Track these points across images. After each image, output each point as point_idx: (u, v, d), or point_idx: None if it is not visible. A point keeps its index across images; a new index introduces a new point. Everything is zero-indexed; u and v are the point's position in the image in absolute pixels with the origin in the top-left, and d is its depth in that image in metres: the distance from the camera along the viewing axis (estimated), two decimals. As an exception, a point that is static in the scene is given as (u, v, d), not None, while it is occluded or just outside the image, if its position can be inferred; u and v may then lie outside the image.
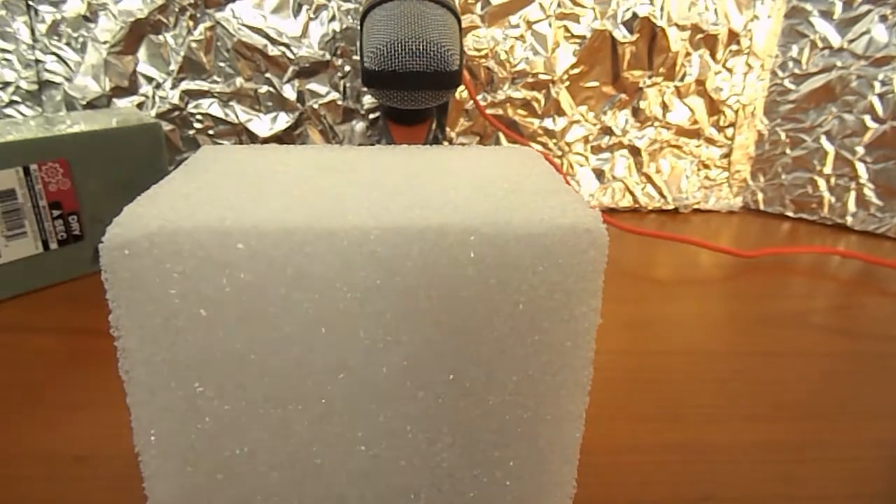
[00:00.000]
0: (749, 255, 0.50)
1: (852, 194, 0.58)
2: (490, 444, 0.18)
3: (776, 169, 0.61)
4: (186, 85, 0.54)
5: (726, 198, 0.63)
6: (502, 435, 0.18)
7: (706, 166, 0.62)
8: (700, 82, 0.59)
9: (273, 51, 0.53)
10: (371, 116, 0.57)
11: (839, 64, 0.55)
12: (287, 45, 0.54)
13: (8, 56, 0.51)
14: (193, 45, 0.53)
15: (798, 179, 0.60)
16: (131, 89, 0.53)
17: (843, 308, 0.43)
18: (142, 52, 0.53)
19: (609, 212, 0.61)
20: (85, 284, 0.42)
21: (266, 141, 0.56)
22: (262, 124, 0.56)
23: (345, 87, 0.56)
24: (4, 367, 0.34)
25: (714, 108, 0.60)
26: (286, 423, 0.17)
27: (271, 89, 0.55)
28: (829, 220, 0.59)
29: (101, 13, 0.51)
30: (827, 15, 0.55)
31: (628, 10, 0.55)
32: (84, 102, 0.53)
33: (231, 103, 0.55)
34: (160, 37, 0.52)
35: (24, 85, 0.51)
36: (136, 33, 0.52)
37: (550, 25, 0.55)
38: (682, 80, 0.58)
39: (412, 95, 0.36)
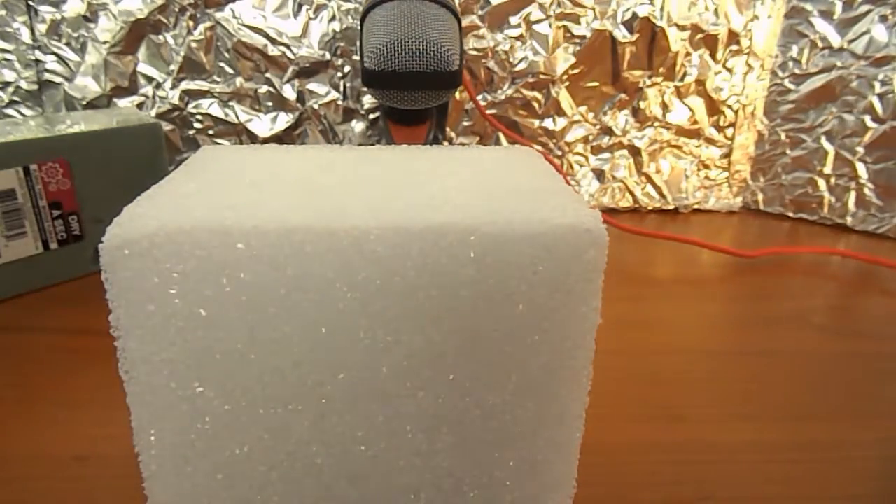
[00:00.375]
0: (749, 255, 0.50)
1: (852, 194, 0.58)
2: (490, 444, 0.18)
3: (776, 169, 0.61)
4: (186, 85, 0.54)
5: (726, 198, 0.63)
6: (502, 435, 0.18)
7: (706, 166, 0.62)
8: (700, 82, 0.59)
9: (273, 51, 0.53)
10: (371, 116, 0.57)
11: (839, 64, 0.55)
12: (287, 45, 0.54)
13: (8, 56, 0.51)
14: (193, 45, 0.53)
15: (798, 179, 0.60)
16: (131, 89, 0.53)
17: (843, 308, 0.43)
18: (142, 52, 0.53)
19: (609, 212, 0.61)
20: (85, 284, 0.42)
21: (266, 141, 0.56)
22: (262, 124, 0.56)
23: (345, 87, 0.56)
24: (4, 367, 0.34)
25: (714, 108, 0.60)
26: (286, 422, 0.17)
27: (271, 89, 0.55)
28: (829, 220, 0.59)
29: (101, 13, 0.51)
30: (827, 15, 0.55)
31: (628, 10, 0.55)
32: (84, 102, 0.53)
33: (231, 103, 0.55)
34: (160, 37, 0.52)
35: (24, 85, 0.51)
36: (136, 33, 0.52)
37: (550, 25, 0.55)
38: (682, 80, 0.58)
39: (412, 95, 0.36)
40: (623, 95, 0.59)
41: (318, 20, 0.54)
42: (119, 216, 0.16)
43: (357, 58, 0.54)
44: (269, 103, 0.55)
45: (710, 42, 0.58)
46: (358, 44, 0.39)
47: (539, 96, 0.58)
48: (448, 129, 0.58)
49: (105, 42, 0.51)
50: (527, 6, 0.55)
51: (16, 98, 0.52)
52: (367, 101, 0.56)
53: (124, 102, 0.53)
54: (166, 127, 0.54)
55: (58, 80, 0.52)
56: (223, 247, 0.15)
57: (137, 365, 0.16)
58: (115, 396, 0.31)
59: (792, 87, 0.58)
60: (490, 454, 0.18)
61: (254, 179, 0.19)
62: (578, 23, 0.56)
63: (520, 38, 0.56)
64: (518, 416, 0.18)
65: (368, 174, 0.20)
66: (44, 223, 0.41)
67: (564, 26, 0.56)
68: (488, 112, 0.57)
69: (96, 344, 0.35)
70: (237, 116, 0.55)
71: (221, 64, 0.54)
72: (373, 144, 0.35)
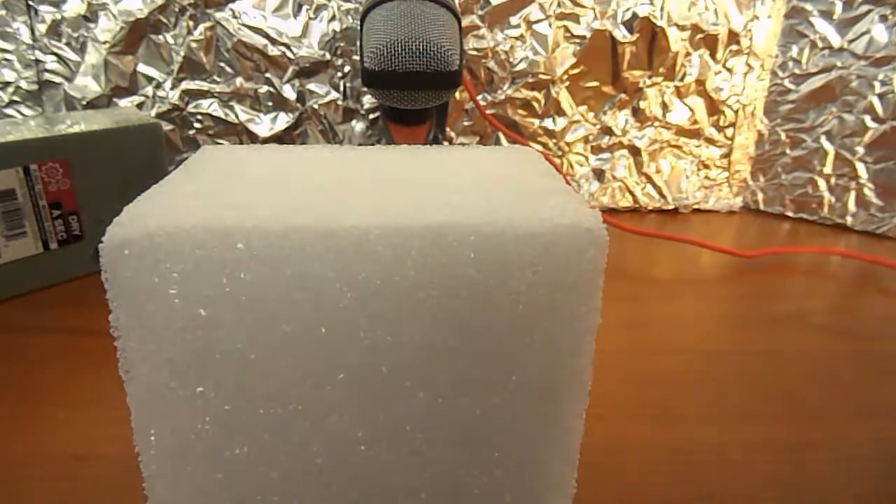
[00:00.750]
0: (749, 255, 0.50)
1: (852, 194, 0.58)
2: (490, 444, 0.18)
3: (776, 169, 0.61)
4: (186, 85, 0.54)
5: (726, 198, 0.63)
6: (502, 435, 0.18)
7: (706, 166, 0.62)
8: (700, 82, 0.59)
9: (273, 51, 0.53)
10: (371, 116, 0.57)
11: (839, 64, 0.55)
12: (287, 45, 0.54)
13: (8, 56, 0.51)
14: (193, 45, 0.53)
15: (798, 179, 0.60)
16: (131, 89, 0.53)
17: (843, 308, 0.43)
18: (142, 52, 0.53)
19: (609, 212, 0.61)
20: (85, 284, 0.42)
21: (266, 141, 0.56)
22: (262, 124, 0.56)
23: (345, 87, 0.56)
24: (4, 367, 0.34)
25: (714, 108, 0.60)
26: (286, 423, 0.17)
27: (271, 89, 0.55)
28: (829, 220, 0.59)
29: (101, 13, 0.51)
30: (827, 15, 0.55)
31: (628, 10, 0.55)
32: (84, 102, 0.53)
33: (231, 103, 0.55)
34: (160, 37, 0.52)
35: (24, 85, 0.51)
36: (136, 33, 0.52)
37: (550, 25, 0.55)
38: (682, 80, 0.58)
39: (412, 95, 0.36)
40: (623, 95, 0.59)
41: (318, 20, 0.54)
42: (119, 216, 0.16)
43: (357, 58, 0.54)
44: (269, 103, 0.55)
45: (710, 42, 0.58)
46: (358, 44, 0.39)
47: (539, 96, 0.58)
48: (448, 129, 0.58)
49: (105, 42, 0.51)
50: (527, 6, 0.55)
51: (16, 98, 0.52)
52: (367, 101, 0.56)
53: (124, 102, 0.53)
54: (166, 127, 0.54)
55: (58, 80, 0.52)
56: (223, 247, 0.15)
57: (137, 365, 0.16)
58: (115, 396, 0.31)
59: (792, 87, 0.58)
60: (490, 454, 0.18)
61: (254, 179, 0.19)
62: (578, 23, 0.56)
63: (520, 38, 0.56)
64: (518, 416, 0.18)
65: (368, 174, 0.20)
66: (44, 223, 0.41)
67: (564, 26, 0.56)
68: (488, 112, 0.57)
69: (96, 344, 0.35)
70: (237, 116, 0.55)
71: (221, 64, 0.54)
72: (373, 144, 0.35)
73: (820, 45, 0.56)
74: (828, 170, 0.58)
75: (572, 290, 0.17)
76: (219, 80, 0.54)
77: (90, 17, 0.51)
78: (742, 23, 0.57)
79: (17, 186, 0.39)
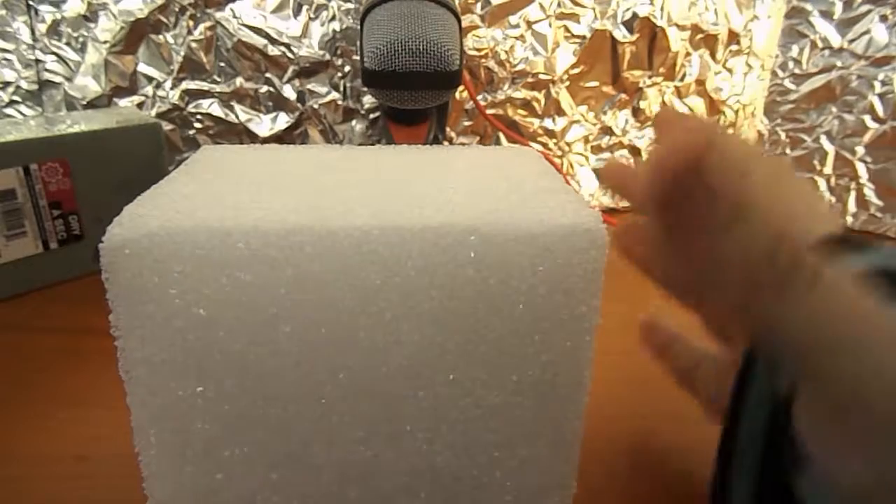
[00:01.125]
0: (749, 255, 0.50)
1: (852, 194, 0.58)
2: (490, 444, 0.18)
3: (776, 169, 0.61)
4: (186, 85, 0.54)
5: (726, 198, 0.63)
6: (502, 435, 0.18)
7: (706, 166, 0.62)
8: (700, 82, 0.59)
9: (273, 51, 0.53)
10: (371, 116, 0.57)
11: (839, 64, 0.55)
12: (287, 45, 0.54)
13: (8, 56, 0.51)
14: (193, 45, 0.53)
15: (798, 179, 0.60)
16: (131, 89, 0.53)
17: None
18: (142, 52, 0.52)
19: (609, 212, 0.61)
20: (85, 284, 0.42)
21: (266, 141, 0.55)
22: (262, 124, 0.56)
23: (345, 87, 0.56)
24: (4, 367, 0.33)
25: (714, 108, 0.60)
26: (286, 422, 0.17)
27: (271, 89, 0.55)
28: (829, 220, 0.59)
29: (101, 13, 0.51)
30: (827, 15, 0.55)
31: (628, 10, 0.55)
32: (84, 102, 0.53)
33: (231, 103, 0.55)
34: (160, 37, 0.52)
35: (24, 85, 0.51)
36: (136, 33, 0.52)
37: (550, 25, 0.55)
38: (682, 80, 0.58)
39: (412, 95, 0.36)
40: (623, 95, 0.59)
41: (318, 20, 0.54)
42: (119, 216, 0.16)
43: (357, 58, 0.54)
44: (269, 103, 0.55)
45: (710, 42, 0.58)
46: (358, 44, 0.39)
47: (539, 96, 0.58)
48: (448, 129, 0.58)
49: (105, 42, 0.51)
50: (527, 6, 0.55)
51: (16, 98, 0.52)
52: (367, 101, 0.56)
53: (124, 102, 0.53)
54: (166, 127, 0.54)
55: (58, 80, 0.52)
56: (223, 247, 0.15)
57: (137, 365, 0.16)
58: (115, 396, 0.31)
59: (792, 87, 0.58)
60: (490, 454, 0.18)
61: (254, 179, 0.19)
62: (578, 23, 0.56)
63: (520, 37, 0.56)
64: (518, 416, 0.18)
65: (368, 174, 0.20)
66: (44, 223, 0.41)
67: (564, 26, 0.56)
68: (488, 112, 0.57)
69: (96, 344, 0.35)
70: (237, 116, 0.55)
71: (221, 64, 0.54)
72: (373, 144, 0.35)
73: (820, 45, 0.56)
74: (828, 170, 0.58)
75: (572, 289, 0.17)
76: (219, 80, 0.54)
77: (90, 17, 0.51)
78: (742, 23, 0.57)
79: (17, 186, 0.39)
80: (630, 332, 0.39)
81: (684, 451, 0.28)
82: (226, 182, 0.18)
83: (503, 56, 0.56)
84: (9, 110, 0.52)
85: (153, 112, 0.54)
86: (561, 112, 0.58)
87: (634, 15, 0.55)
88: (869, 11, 0.53)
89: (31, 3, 0.50)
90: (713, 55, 0.58)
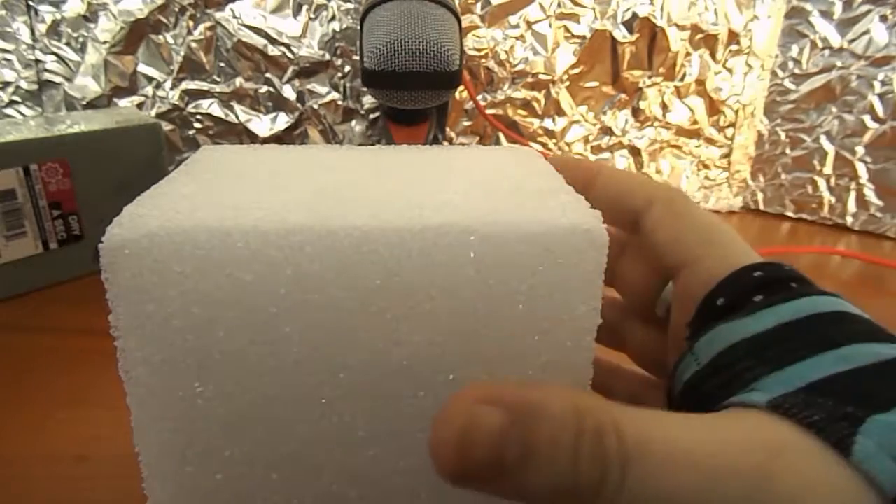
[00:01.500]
0: (749, 255, 0.50)
1: (852, 194, 0.58)
2: None
3: (776, 169, 0.61)
4: (186, 85, 0.54)
5: (726, 198, 0.63)
6: None
7: (706, 166, 0.62)
8: (700, 82, 0.59)
9: (273, 51, 0.53)
10: (371, 116, 0.57)
11: (839, 64, 0.55)
12: (287, 45, 0.54)
13: (8, 56, 0.51)
14: (193, 45, 0.53)
15: (798, 179, 0.60)
16: (131, 89, 0.53)
17: (843, 308, 0.42)
18: (142, 52, 0.53)
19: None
20: (85, 284, 0.42)
21: (266, 141, 0.56)
22: (262, 124, 0.56)
23: (345, 87, 0.56)
24: (4, 367, 0.33)
25: (714, 108, 0.60)
26: (286, 423, 0.17)
27: (271, 89, 0.55)
28: (829, 220, 0.59)
29: (101, 13, 0.51)
30: (827, 15, 0.55)
31: (628, 10, 0.55)
32: (84, 102, 0.53)
33: (231, 103, 0.55)
34: (160, 37, 0.52)
35: (24, 85, 0.51)
36: (136, 33, 0.52)
37: (550, 25, 0.55)
38: (682, 80, 0.58)
39: (412, 95, 0.36)
40: (623, 95, 0.59)
41: (318, 20, 0.54)
42: (119, 216, 0.16)
43: (357, 58, 0.54)
44: (269, 103, 0.55)
45: (710, 42, 0.58)
46: (358, 44, 0.39)
47: (539, 96, 0.58)
48: (448, 129, 0.58)
49: (105, 42, 0.51)
50: (527, 6, 0.55)
51: (16, 98, 0.52)
52: (367, 101, 0.56)
53: (124, 102, 0.53)
54: (166, 127, 0.54)
55: (58, 80, 0.52)
56: (223, 247, 0.15)
57: (137, 365, 0.16)
58: (115, 396, 0.31)
59: (792, 87, 0.58)
60: None
61: (254, 179, 0.19)
62: (578, 23, 0.56)
63: (520, 37, 0.56)
64: None
65: (368, 174, 0.20)
66: (44, 223, 0.41)
67: (564, 26, 0.56)
68: (488, 112, 0.57)
69: (96, 344, 0.35)
70: (237, 116, 0.55)
71: (221, 64, 0.54)
72: (373, 144, 0.35)
73: (820, 45, 0.56)
74: (828, 170, 0.58)
75: (573, 290, 0.17)
76: (219, 80, 0.54)
77: (90, 17, 0.51)
78: (742, 23, 0.57)
79: (17, 186, 0.39)
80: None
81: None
82: (226, 182, 0.18)
83: (503, 56, 0.56)
84: (9, 110, 0.52)
85: (153, 112, 0.54)
86: (561, 112, 0.58)
87: (634, 15, 0.55)
88: (869, 11, 0.53)
89: (31, 3, 0.50)
90: (713, 55, 0.58)
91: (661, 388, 0.21)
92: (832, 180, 0.58)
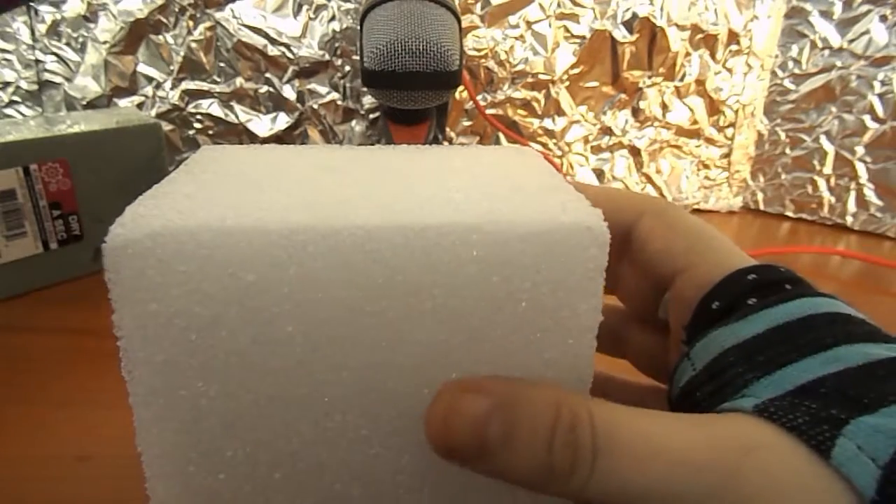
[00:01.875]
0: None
1: (852, 194, 0.58)
2: None
3: (776, 169, 0.61)
4: (186, 85, 0.54)
5: (726, 198, 0.63)
6: None
7: (706, 166, 0.62)
8: (700, 82, 0.59)
9: (273, 51, 0.53)
10: (371, 116, 0.57)
11: (839, 64, 0.55)
12: (287, 45, 0.54)
13: (8, 56, 0.51)
14: (193, 45, 0.53)
15: (798, 179, 0.60)
16: (131, 89, 0.53)
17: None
18: (142, 52, 0.53)
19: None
20: (85, 284, 0.42)
21: (266, 141, 0.56)
22: (262, 124, 0.56)
23: (345, 87, 0.56)
24: (4, 367, 0.33)
25: (714, 108, 0.60)
26: (288, 422, 0.17)
27: (271, 89, 0.55)
28: (829, 220, 0.59)
29: (101, 13, 0.51)
30: (827, 15, 0.55)
31: (628, 10, 0.55)
32: (84, 102, 0.53)
33: (231, 103, 0.55)
34: (160, 37, 0.52)
35: (24, 85, 0.51)
36: (136, 33, 0.52)
37: (550, 25, 0.55)
38: (681, 80, 0.59)
39: (412, 95, 0.36)
40: (623, 95, 0.59)
41: (318, 20, 0.54)
42: (121, 216, 0.16)
43: (357, 58, 0.54)
44: (269, 103, 0.55)
45: (710, 42, 0.58)
46: (358, 44, 0.39)
47: (539, 96, 0.58)
48: (448, 129, 0.58)
49: (105, 42, 0.51)
50: (527, 6, 0.55)
51: (16, 98, 0.52)
52: (367, 101, 0.56)
53: (124, 102, 0.53)
54: (166, 127, 0.54)
55: (58, 80, 0.52)
56: (227, 246, 0.15)
57: (140, 365, 0.16)
58: (115, 396, 0.31)
59: (792, 87, 0.58)
60: None
61: (255, 179, 0.19)
62: (578, 23, 0.56)
63: (520, 38, 0.56)
64: None
65: (367, 174, 0.20)
66: (44, 223, 0.41)
67: (564, 26, 0.56)
68: (488, 112, 0.57)
69: (96, 344, 0.35)
70: (237, 116, 0.55)
71: (221, 64, 0.54)
72: (373, 144, 0.35)
73: (820, 45, 0.56)
74: (828, 170, 0.58)
75: (575, 287, 0.17)
76: (219, 80, 0.54)
77: (90, 17, 0.51)
78: (742, 23, 0.57)
79: (17, 186, 0.39)
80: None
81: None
82: (227, 182, 0.18)
83: (503, 56, 0.56)
84: (9, 110, 0.52)
85: (153, 112, 0.54)
86: (561, 112, 0.58)
87: (634, 15, 0.55)
88: (869, 11, 0.53)
89: (31, 3, 0.50)
90: (713, 55, 0.58)
91: (660, 397, 0.21)
92: (832, 180, 0.58)
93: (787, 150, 0.60)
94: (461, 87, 0.52)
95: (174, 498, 0.18)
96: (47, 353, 0.35)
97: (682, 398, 0.18)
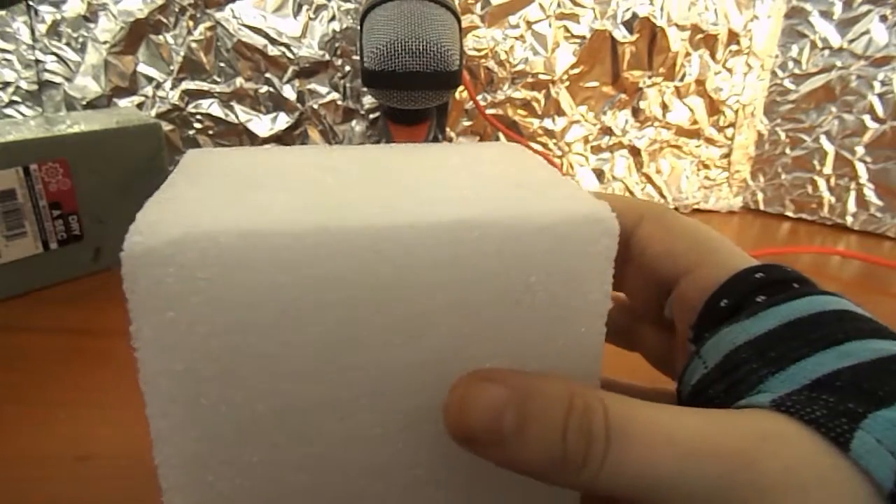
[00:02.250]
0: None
1: (852, 194, 0.58)
2: None
3: (776, 169, 0.61)
4: (186, 85, 0.54)
5: (726, 198, 0.63)
6: None
7: (706, 166, 0.62)
8: (700, 82, 0.59)
9: (273, 51, 0.53)
10: (371, 116, 0.57)
11: (839, 64, 0.55)
12: (287, 45, 0.54)
13: (8, 56, 0.51)
14: (193, 45, 0.53)
15: (798, 179, 0.60)
16: (131, 89, 0.53)
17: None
18: (142, 52, 0.53)
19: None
20: (85, 284, 0.42)
21: (266, 141, 0.56)
22: (262, 124, 0.56)
23: (345, 87, 0.56)
24: (4, 367, 0.34)
25: (714, 108, 0.60)
26: (308, 424, 0.17)
27: (271, 89, 0.55)
28: (829, 220, 0.59)
29: (101, 13, 0.51)
30: (827, 15, 0.55)
31: (628, 10, 0.55)
32: (84, 102, 0.53)
33: (231, 103, 0.55)
34: (160, 37, 0.52)
35: (24, 85, 0.51)
36: (136, 33, 0.52)
37: (550, 25, 0.56)
38: (681, 80, 0.59)
39: (412, 95, 0.36)
40: (623, 95, 0.59)
41: (318, 20, 0.54)
42: (134, 224, 0.15)
43: (357, 58, 0.54)
44: (269, 103, 0.55)
45: (710, 42, 0.58)
46: (358, 44, 0.39)
47: (539, 96, 0.58)
48: (448, 129, 0.58)
49: (105, 42, 0.51)
50: (527, 6, 0.55)
51: (16, 98, 0.52)
52: (367, 101, 0.56)
53: (124, 102, 0.53)
54: (166, 127, 0.54)
55: (58, 80, 0.52)
56: (249, 250, 0.15)
57: (158, 376, 0.16)
58: (115, 396, 0.31)
59: (792, 87, 0.58)
60: None
61: (257, 182, 0.18)
62: (578, 23, 0.56)
63: (520, 38, 0.56)
64: None
65: (368, 173, 0.20)
66: (44, 223, 0.41)
67: (564, 26, 0.56)
68: (488, 112, 0.57)
69: (96, 344, 0.35)
70: (237, 116, 0.55)
71: (221, 64, 0.54)
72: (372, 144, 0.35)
73: (820, 45, 0.56)
74: (828, 170, 0.58)
75: (586, 276, 0.17)
76: (219, 80, 0.54)
77: (90, 17, 0.51)
78: (742, 23, 0.57)
79: (17, 186, 0.39)
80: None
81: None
82: (230, 185, 0.18)
83: (503, 56, 0.56)
84: (9, 110, 0.52)
85: (153, 112, 0.54)
86: (561, 112, 0.58)
87: (634, 15, 0.55)
88: (869, 11, 0.53)
89: (31, 3, 0.50)
90: (713, 55, 0.58)
91: (667, 400, 0.21)
92: (832, 180, 0.58)
93: (787, 150, 0.60)
94: (461, 87, 0.52)
95: None
96: (47, 353, 0.35)
97: (693, 397, 0.18)
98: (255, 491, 0.18)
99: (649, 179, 0.62)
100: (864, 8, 0.54)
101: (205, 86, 0.54)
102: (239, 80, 0.54)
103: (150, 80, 0.53)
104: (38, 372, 0.33)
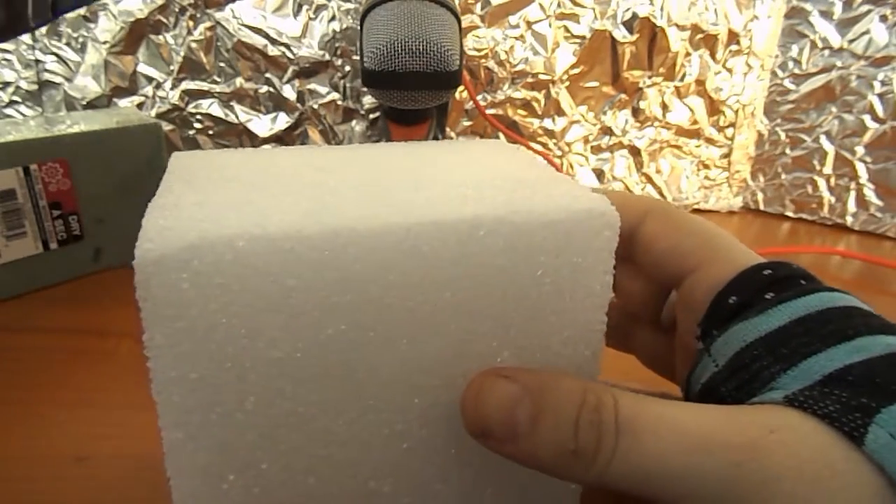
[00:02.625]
0: (749, 255, 0.50)
1: (852, 194, 0.58)
2: None
3: (776, 169, 0.61)
4: (186, 85, 0.54)
5: (726, 198, 0.63)
6: None
7: (706, 166, 0.62)
8: (700, 82, 0.59)
9: (273, 51, 0.53)
10: (371, 116, 0.57)
11: (839, 64, 0.55)
12: (287, 45, 0.54)
13: (8, 56, 0.51)
14: (193, 45, 0.53)
15: (798, 179, 0.60)
16: (131, 89, 0.53)
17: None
18: (142, 52, 0.53)
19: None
20: (85, 284, 0.42)
21: (266, 141, 0.56)
22: (262, 124, 0.56)
23: (345, 87, 0.56)
24: (5, 367, 0.33)
25: (714, 108, 0.60)
26: (324, 425, 0.17)
27: (271, 89, 0.55)
28: (829, 220, 0.59)
29: (101, 13, 0.51)
30: (827, 15, 0.55)
31: (628, 10, 0.55)
32: (84, 102, 0.53)
33: (231, 103, 0.55)
34: (160, 37, 0.52)
35: (24, 85, 0.51)
36: (136, 33, 0.52)
37: (550, 25, 0.55)
38: (682, 80, 0.58)
39: (412, 95, 0.36)
40: (623, 95, 0.59)
41: (318, 20, 0.54)
42: (143, 231, 0.15)
43: (357, 58, 0.54)
44: (269, 103, 0.55)
45: (710, 42, 0.58)
46: (358, 44, 0.39)
47: (539, 96, 0.58)
48: (448, 129, 0.58)
49: (105, 42, 0.51)
50: (527, 6, 0.55)
51: (16, 98, 0.52)
52: (367, 101, 0.56)
53: (124, 102, 0.53)
54: (166, 127, 0.54)
55: (58, 80, 0.52)
56: (266, 253, 0.15)
57: (172, 385, 0.16)
58: (115, 396, 0.31)
59: (792, 87, 0.58)
60: None
61: (257, 183, 0.18)
62: (578, 23, 0.56)
63: (520, 38, 0.56)
64: None
65: (366, 173, 0.20)
66: (44, 223, 0.41)
67: (564, 26, 0.56)
68: (488, 112, 0.57)
69: (96, 344, 0.35)
70: (237, 116, 0.55)
71: (221, 64, 0.54)
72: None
73: (820, 45, 0.56)
74: (828, 170, 0.58)
75: (590, 269, 0.18)
76: (219, 80, 0.54)
77: (90, 17, 0.51)
78: (742, 23, 0.57)
79: (17, 186, 0.39)
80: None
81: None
82: (230, 188, 0.18)
83: (503, 56, 0.56)
84: (9, 110, 0.52)
85: (153, 112, 0.54)
86: (561, 112, 0.58)
87: (634, 15, 0.55)
88: (869, 11, 0.53)
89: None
90: (713, 55, 0.58)
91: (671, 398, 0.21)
92: (832, 180, 0.58)
93: (787, 150, 0.60)
94: (461, 87, 0.52)
95: None
96: (47, 353, 0.35)
97: (704, 395, 0.18)
98: (268, 496, 0.18)
99: (649, 179, 0.62)
100: (864, 8, 0.54)
101: (205, 86, 0.54)
102: (239, 80, 0.54)
103: (150, 80, 0.53)
104: (38, 372, 0.33)
